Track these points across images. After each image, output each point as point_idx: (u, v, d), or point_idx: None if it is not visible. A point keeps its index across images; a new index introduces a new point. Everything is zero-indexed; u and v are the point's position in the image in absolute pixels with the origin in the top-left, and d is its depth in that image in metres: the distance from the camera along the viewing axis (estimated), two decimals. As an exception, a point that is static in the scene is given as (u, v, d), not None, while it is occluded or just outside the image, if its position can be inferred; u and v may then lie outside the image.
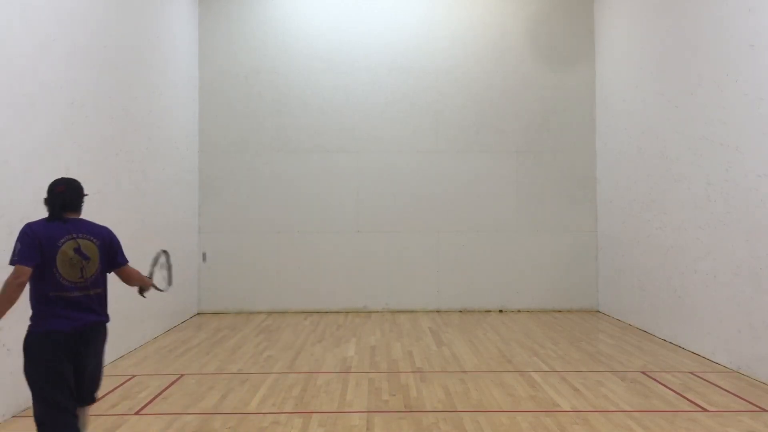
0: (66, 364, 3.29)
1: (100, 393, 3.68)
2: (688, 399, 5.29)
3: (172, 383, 5.80)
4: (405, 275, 9.97)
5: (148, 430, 4.61)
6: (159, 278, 3.98)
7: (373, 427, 4.61)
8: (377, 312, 9.83)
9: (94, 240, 3.44)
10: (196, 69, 9.84)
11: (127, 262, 3.63)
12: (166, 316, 8.34)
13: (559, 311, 9.86)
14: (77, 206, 3.50)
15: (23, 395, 5.03)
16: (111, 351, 6.63)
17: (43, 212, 3.43)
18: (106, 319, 3.52)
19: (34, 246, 3.24)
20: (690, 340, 7.07)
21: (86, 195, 3.58)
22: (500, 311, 9.88)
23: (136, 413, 4.98)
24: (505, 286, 9.96)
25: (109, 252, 3.51)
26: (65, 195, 3.44)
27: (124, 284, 3.72)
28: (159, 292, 3.96)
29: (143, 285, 3.76)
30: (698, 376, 5.99)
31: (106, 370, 6.18)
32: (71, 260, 3.32)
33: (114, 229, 3.57)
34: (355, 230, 10.00)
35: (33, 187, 5.22)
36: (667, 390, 5.55)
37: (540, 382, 5.79)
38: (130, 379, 5.97)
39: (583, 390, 5.54)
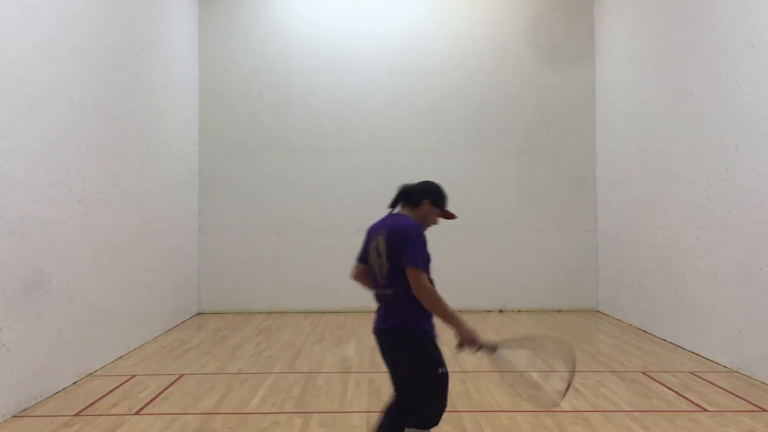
0: (386, 358, 3.31)
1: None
2: (688, 399, 5.29)
3: (172, 383, 5.80)
4: (405, 275, 9.94)
5: (148, 430, 4.61)
6: (511, 360, 3.20)
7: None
8: (377, 312, 9.81)
9: (384, 234, 3.15)
10: (196, 69, 9.84)
11: (412, 264, 3.03)
12: (166, 316, 8.33)
13: (559, 311, 9.86)
14: (405, 199, 3.31)
15: (23, 395, 5.05)
16: (111, 351, 6.65)
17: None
18: (390, 326, 3.17)
19: (364, 243, 3.35)
20: (690, 340, 7.07)
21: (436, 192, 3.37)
22: (500, 311, 9.88)
23: (136, 413, 4.98)
24: (505, 286, 9.96)
25: (395, 248, 3.08)
26: (400, 190, 3.31)
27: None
28: (498, 367, 3.22)
29: (461, 335, 3.19)
30: (698, 376, 5.99)
31: (106, 370, 6.24)
32: (373, 256, 3.22)
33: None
34: (355, 230, 9.97)
35: (33, 187, 5.23)
36: (667, 390, 5.55)
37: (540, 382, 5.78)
38: (130, 379, 5.97)
39: (583, 390, 5.53)
